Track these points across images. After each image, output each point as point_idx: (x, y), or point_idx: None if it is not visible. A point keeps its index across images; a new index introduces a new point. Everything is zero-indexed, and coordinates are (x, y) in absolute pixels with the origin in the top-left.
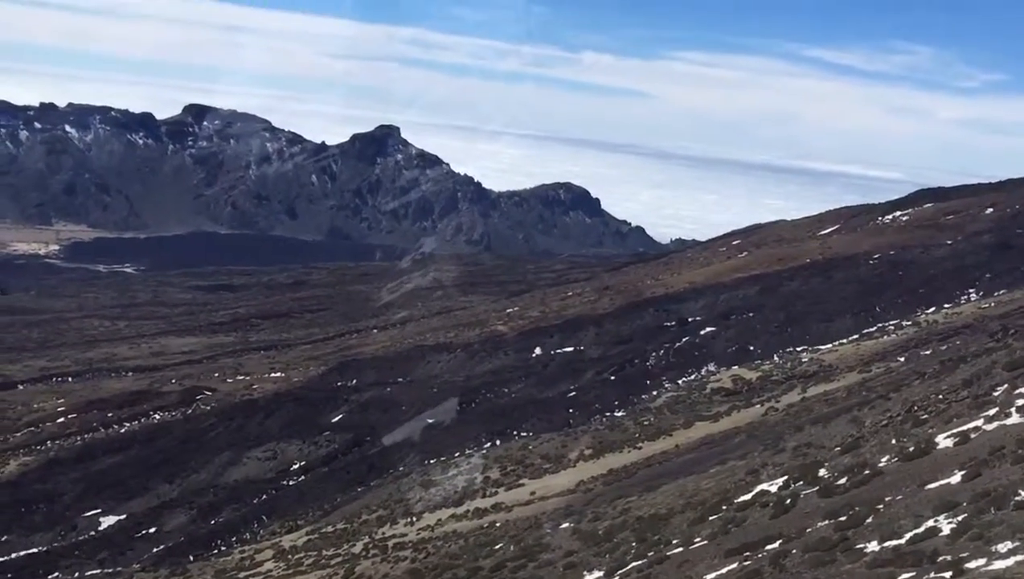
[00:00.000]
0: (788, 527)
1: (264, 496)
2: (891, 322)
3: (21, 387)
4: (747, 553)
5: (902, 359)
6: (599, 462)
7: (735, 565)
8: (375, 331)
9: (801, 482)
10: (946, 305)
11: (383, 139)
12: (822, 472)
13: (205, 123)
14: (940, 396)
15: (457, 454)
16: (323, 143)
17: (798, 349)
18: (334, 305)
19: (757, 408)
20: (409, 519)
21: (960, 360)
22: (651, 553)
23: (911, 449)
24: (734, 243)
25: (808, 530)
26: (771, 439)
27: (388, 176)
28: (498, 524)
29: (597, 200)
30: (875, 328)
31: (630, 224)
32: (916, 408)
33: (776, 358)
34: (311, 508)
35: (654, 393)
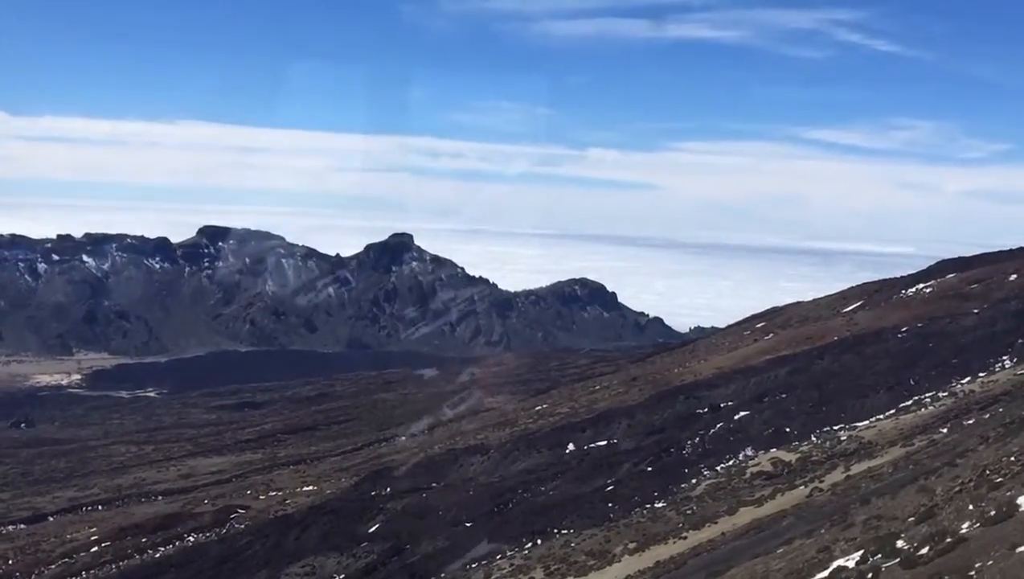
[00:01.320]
0: None
1: None
2: (927, 394)
3: (52, 519)
4: None
5: (944, 430)
6: (645, 555)
7: None
8: (403, 438)
9: (880, 555)
10: (980, 374)
11: (397, 247)
12: (900, 543)
13: (220, 243)
14: (1012, 458)
15: (499, 556)
16: (338, 255)
17: (835, 428)
18: (360, 415)
19: (801, 489)
20: None
21: None
22: None
23: (992, 513)
24: (758, 326)
25: None
26: (837, 515)
27: (404, 283)
28: None
29: (614, 294)
30: (911, 401)
31: (648, 315)
32: (988, 472)
33: (814, 438)
34: None
35: (693, 481)
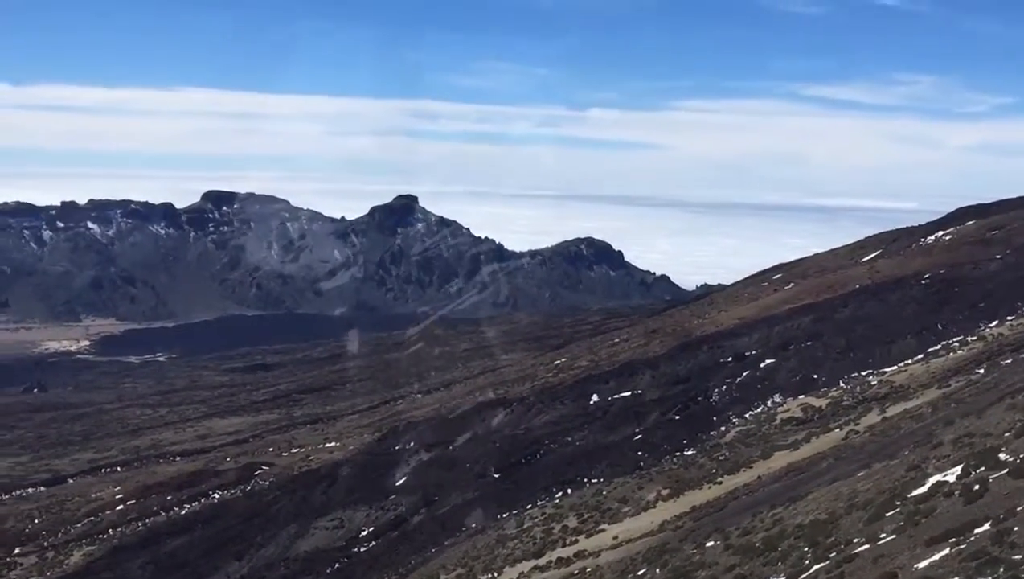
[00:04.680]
0: (991, 510)
1: (336, 565)
2: (955, 339)
3: (72, 481)
4: (953, 539)
5: (981, 371)
6: (680, 501)
7: (947, 550)
8: (419, 396)
9: (983, 468)
10: (1009, 317)
11: (402, 209)
12: (1003, 456)
13: (225, 208)
14: None
15: (529, 506)
16: (343, 218)
17: (863, 373)
18: (374, 374)
19: (836, 432)
20: (490, 575)
21: None
22: (832, 554)
23: None
24: (775, 277)
25: (1019, 508)
26: (922, 436)
27: (409, 245)
28: (588, 569)
29: (620, 253)
30: (940, 346)
31: (654, 274)
32: None
33: (842, 384)
34: (386, 573)
35: (722, 429)
